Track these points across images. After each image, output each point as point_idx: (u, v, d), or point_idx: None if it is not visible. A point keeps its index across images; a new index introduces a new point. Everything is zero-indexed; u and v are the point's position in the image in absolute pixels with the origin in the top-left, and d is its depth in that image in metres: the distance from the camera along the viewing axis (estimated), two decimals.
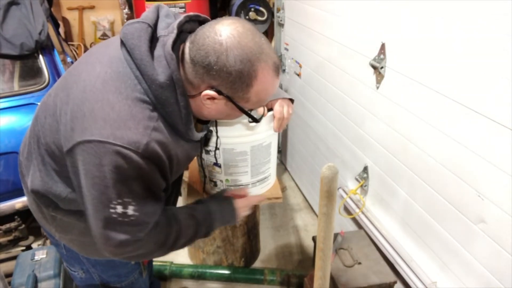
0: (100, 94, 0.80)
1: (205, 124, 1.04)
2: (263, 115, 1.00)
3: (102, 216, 0.83)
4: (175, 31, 0.82)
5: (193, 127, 0.89)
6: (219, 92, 0.82)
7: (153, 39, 0.82)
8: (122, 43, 0.83)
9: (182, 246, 1.01)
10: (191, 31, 0.86)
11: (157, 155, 0.82)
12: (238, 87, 0.81)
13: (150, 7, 0.89)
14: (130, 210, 0.83)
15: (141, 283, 1.28)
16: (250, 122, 0.96)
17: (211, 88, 0.82)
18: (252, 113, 0.95)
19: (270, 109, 1.22)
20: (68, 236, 1.06)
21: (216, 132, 1.21)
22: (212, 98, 0.84)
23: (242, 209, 1.15)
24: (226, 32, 0.79)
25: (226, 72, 0.79)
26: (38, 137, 0.93)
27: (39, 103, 1.01)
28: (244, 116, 0.93)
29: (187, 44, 0.83)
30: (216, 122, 1.19)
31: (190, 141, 0.94)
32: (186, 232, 0.99)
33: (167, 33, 0.83)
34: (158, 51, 0.81)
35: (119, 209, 0.82)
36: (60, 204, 0.98)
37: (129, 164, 0.78)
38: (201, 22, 0.90)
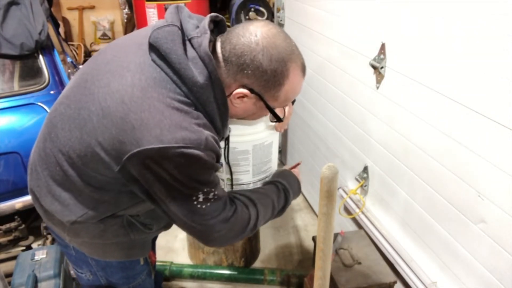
0: (144, 103, 0.79)
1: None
2: (284, 115, 1.05)
3: (186, 211, 0.86)
4: (208, 32, 0.83)
5: (228, 124, 0.92)
6: (251, 91, 0.85)
7: (183, 41, 0.83)
8: (152, 48, 0.82)
9: (263, 223, 1.05)
10: (211, 32, 0.88)
11: (214, 147, 0.84)
12: (270, 86, 0.85)
13: (169, 8, 0.88)
14: (211, 195, 0.86)
15: (148, 284, 1.27)
16: (273, 121, 1.01)
17: (243, 86, 0.85)
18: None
19: None
20: (79, 239, 1.06)
21: (229, 130, 1.22)
22: (242, 96, 0.86)
23: (300, 179, 1.21)
24: (262, 33, 0.82)
25: (261, 71, 0.82)
26: (61, 152, 0.91)
27: (50, 115, 0.97)
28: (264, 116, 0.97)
29: (218, 43, 0.86)
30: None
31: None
32: (265, 211, 1.04)
33: (200, 34, 0.83)
34: (191, 52, 0.81)
35: (201, 197, 0.85)
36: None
37: (197, 161, 0.80)
38: (217, 22, 0.92)
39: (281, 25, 2.62)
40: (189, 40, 0.83)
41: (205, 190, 0.85)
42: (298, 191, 1.19)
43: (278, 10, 2.60)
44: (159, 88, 0.81)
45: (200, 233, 0.91)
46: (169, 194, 0.84)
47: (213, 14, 0.90)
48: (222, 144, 1.25)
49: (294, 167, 1.26)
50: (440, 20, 1.15)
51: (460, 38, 1.08)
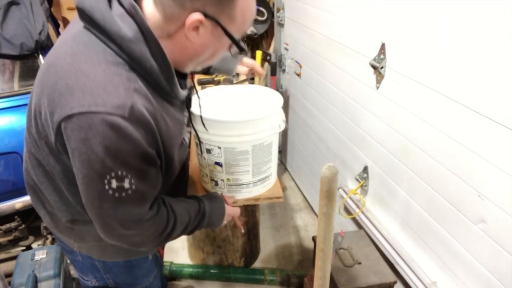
0: (72, 68, 0.74)
1: (184, 79, 0.97)
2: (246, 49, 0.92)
3: (96, 196, 0.78)
4: None
5: (176, 82, 0.83)
6: (205, 15, 0.75)
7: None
8: (80, 12, 0.77)
9: (169, 240, 0.98)
10: None
11: (144, 118, 0.75)
12: (224, 3, 0.75)
13: None
14: (126, 184, 0.78)
15: (155, 287, 1.26)
16: (234, 54, 0.89)
17: (196, 11, 0.75)
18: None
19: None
20: (87, 244, 1.03)
21: (197, 92, 1.15)
22: (197, 27, 0.77)
23: (228, 216, 1.17)
24: None
25: None
26: (34, 146, 0.88)
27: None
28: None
29: None
30: (194, 86, 1.13)
31: (175, 104, 0.89)
32: (179, 228, 0.97)
33: None
34: (116, 9, 0.75)
35: (114, 183, 0.76)
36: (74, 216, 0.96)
37: (117, 132, 0.72)
38: None
39: (281, 25, 2.62)
40: None
41: (120, 173, 0.76)
42: (216, 224, 1.13)
43: (278, 10, 2.60)
44: (88, 51, 0.75)
45: (105, 225, 0.83)
46: (82, 171, 0.76)
47: None
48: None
49: (228, 203, 1.22)
50: (440, 20, 1.15)
51: (460, 38, 1.08)
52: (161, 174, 0.88)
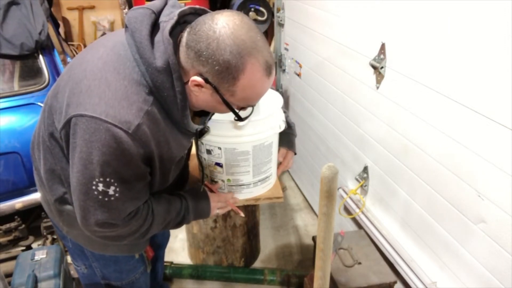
0: (99, 73, 0.82)
1: (203, 116, 1.05)
2: (249, 115, 0.98)
3: (84, 191, 0.85)
4: (175, 18, 0.83)
5: (188, 114, 0.89)
6: (206, 80, 0.81)
7: (156, 26, 0.84)
8: (126, 27, 0.85)
9: (146, 237, 1.05)
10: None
11: (146, 139, 0.83)
12: (224, 78, 0.80)
13: None
14: (111, 191, 0.85)
15: (142, 283, 1.27)
16: (235, 120, 0.95)
17: (199, 75, 0.82)
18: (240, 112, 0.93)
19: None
20: (74, 231, 1.08)
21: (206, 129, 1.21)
22: (199, 85, 0.83)
23: (217, 205, 1.22)
24: (222, 22, 0.79)
25: (214, 60, 0.78)
26: (45, 123, 0.95)
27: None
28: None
29: (187, 29, 0.84)
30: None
31: (185, 133, 0.95)
32: (156, 227, 1.03)
33: (168, 19, 0.84)
34: (158, 36, 0.82)
35: (101, 187, 0.83)
36: (67, 198, 1.01)
37: (117, 143, 0.79)
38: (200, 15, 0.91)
39: (281, 25, 2.62)
40: (159, 25, 0.84)
41: (108, 180, 0.83)
42: (202, 216, 1.19)
43: (278, 10, 2.60)
44: (119, 64, 0.83)
45: (83, 218, 0.89)
46: (77, 166, 0.83)
47: (197, 6, 0.89)
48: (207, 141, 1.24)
49: (212, 190, 1.28)
50: (440, 20, 1.15)
51: (460, 38, 1.08)
52: (147, 188, 0.97)
